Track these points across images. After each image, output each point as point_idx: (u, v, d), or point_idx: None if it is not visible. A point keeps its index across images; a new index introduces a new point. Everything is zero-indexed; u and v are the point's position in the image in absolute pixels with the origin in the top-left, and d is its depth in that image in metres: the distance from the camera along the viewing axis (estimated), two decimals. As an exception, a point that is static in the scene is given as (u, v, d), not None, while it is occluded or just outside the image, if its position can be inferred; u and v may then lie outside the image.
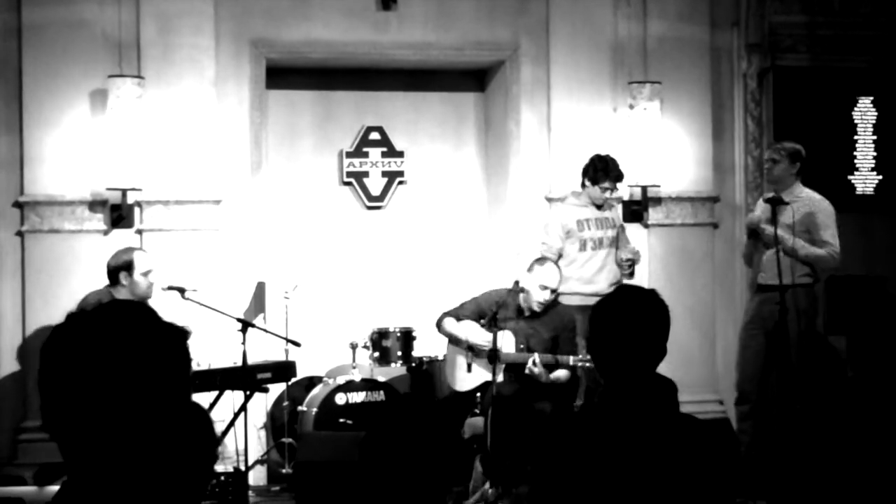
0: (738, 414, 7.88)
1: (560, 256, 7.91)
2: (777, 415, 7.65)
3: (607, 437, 3.02)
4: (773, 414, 7.69)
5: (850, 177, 9.44)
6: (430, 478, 2.64)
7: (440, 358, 7.95)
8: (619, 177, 8.00)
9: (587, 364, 7.26)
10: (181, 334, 1.85)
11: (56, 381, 1.78)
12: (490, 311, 7.35)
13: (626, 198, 8.67)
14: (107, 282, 7.20)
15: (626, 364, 3.12)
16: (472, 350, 7.62)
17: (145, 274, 7.17)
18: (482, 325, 7.53)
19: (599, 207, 8.01)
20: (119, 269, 7.15)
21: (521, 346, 7.52)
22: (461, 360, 7.70)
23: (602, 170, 7.91)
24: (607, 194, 7.98)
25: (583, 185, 7.99)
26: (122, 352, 1.78)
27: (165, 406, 1.80)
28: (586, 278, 7.88)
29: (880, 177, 9.48)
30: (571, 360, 7.31)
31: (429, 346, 8.10)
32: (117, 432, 1.76)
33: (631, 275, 7.95)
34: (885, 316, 8.90)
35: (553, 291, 7.50)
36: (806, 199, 7.72)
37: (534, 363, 7.29)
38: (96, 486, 1.76)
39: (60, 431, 1.78)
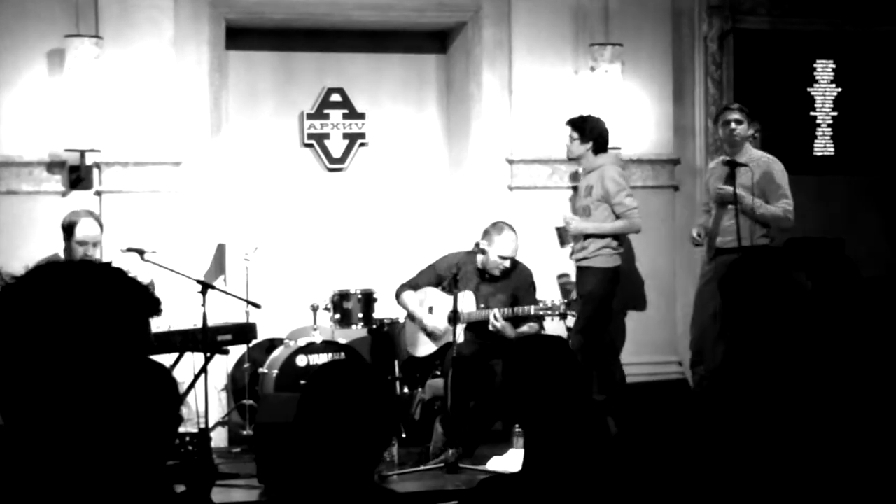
0: (694, 377, 7.95)
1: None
2: (730, 378, 7.70)
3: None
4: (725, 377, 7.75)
5: (808, 139, 9.50)
6: (366, 440, 2.64)
7: (401, 320, 7.95)
8: (569, 120, 8.12)
9: (547, 312, 7.30)
10: (140, 287, 1.80)
11: (7, 341, 1.73)
12: (448, 275, 7.36)
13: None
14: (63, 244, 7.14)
15: (546, 422, 2.99)
16: (426, 331, 7.64)
17: (81, 244, 6.99)
18: (442, 289, 7.55)
19: (580, 166, 8.21)
20: (64, 228, 7.08)
21: (482, 305, 7.54)
22: (420, 332, 7.71)
23: None
24: (567, 141, 8.10)
25: None
26: (72, 308, 1.74)
27: (122, 363, 1.76)
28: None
29: (839, 139, 9.54)
30: (533, 309, 7.35)
31: (390, 308, 8.10)
32: (72, 391, 1.72)
33: (562, 243, 8.15)
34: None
35: (509, 259, 7.52)
36: (760, 160, 7.84)
37: (494, 317, 7.33)
38: (45, 446, 1.72)
39: (9, 395, 1.73)
